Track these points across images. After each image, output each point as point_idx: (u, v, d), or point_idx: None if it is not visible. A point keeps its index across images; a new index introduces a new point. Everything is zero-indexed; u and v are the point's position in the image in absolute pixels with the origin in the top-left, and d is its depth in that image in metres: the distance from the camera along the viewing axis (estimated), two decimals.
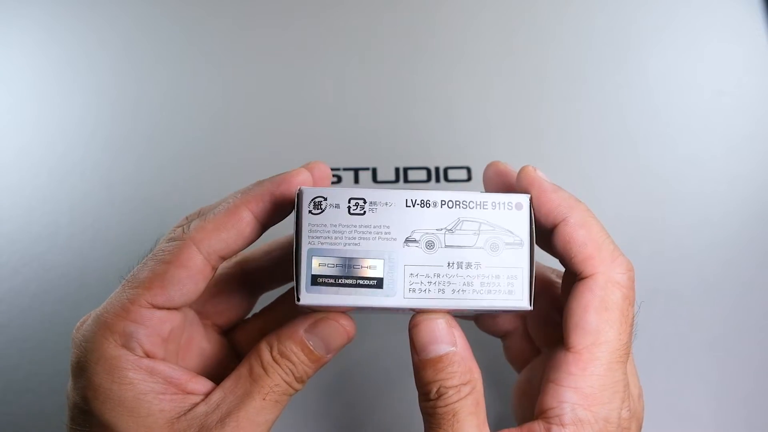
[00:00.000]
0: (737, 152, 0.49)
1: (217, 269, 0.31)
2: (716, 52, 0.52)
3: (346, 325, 0.31)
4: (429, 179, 0.48)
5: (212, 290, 0.35)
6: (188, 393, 0.30)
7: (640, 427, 0.32)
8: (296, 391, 0.31)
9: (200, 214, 0.30)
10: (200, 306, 0.34)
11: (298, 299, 0.27)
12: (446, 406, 0.28)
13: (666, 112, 0.50)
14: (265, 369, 0.30)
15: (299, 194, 0.28)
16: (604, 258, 0.29)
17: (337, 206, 0.28)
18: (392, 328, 0.43)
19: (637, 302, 0.32)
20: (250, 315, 0.37)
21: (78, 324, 0.31)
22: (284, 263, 0.35)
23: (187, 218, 0.31)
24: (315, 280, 0.28)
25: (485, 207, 0.28)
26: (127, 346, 0.29)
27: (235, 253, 0.31)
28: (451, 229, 0.28)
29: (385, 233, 0.28)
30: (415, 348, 0.29)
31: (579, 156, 0.49)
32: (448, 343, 0.29)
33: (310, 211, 0.28)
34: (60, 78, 0.50)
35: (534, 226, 0.28)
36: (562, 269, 0.32)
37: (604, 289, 0.29)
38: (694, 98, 0.51)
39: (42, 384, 0.42)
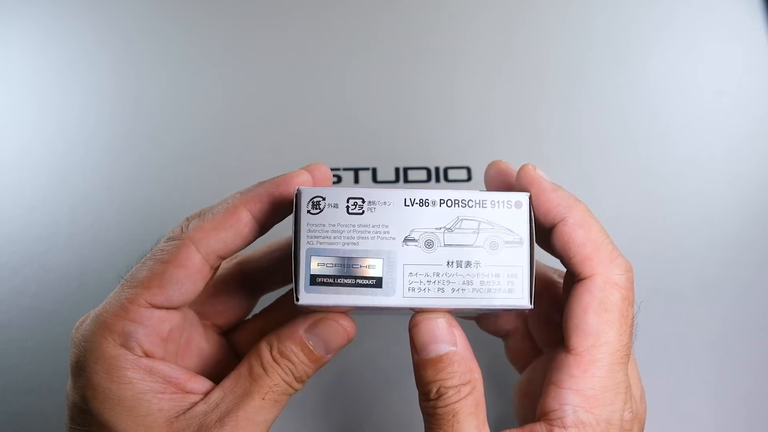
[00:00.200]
0: (737, 152, 0.49)
1: (215, 269, 0.31)
2: (716, 52, 0.52)
3: (346, 325, 0.31)
4: (429, 179, 0.48)
5: (212, 291, 0.35)
6: (187, 392, 0.30)
7: (642, 429, 0.32)
8: (296, 391, 0.31)
9: (200, 215, 0.30)
10: (200, 306, 0.34)
11: (297, 299, 0.27)
12: (446, 406, 0.28)
13: (666, 112, 0.50)
14: (264, 369, 0.30)
15: (297, 194, 0.28)
16: (602, 259, 0.29)
17: (336, 206, 0.28)
18: (392, 329, 0.43)
19: (636, 302, 0.32)
20: (249, 316, 0.37)
21: (77, 324, 0.31)
22: (284, 264, 0.34)
23: (187, 219, 0.31)
24: (314, 279, 0.27)
25: (484, 206, 0.28)
26: (126, 345, 0.29)
27: (234, 253, 0.31)
28: (450, 228, 0.28)
29: (384, 232, 0.28)
30: (415, 347, 0.29)
31: (579, 156, 0.49)
32: (448, 342, 0.29)
33: (308, 211, 0.28)
34: (60, 78, 0.50)
35: (534, 225, 0.28)
36: (564, 269, 0.32)
37: (603, 291, 0.29)
38: (694, 98, 0.51)
39: (42, 384, 0.42)
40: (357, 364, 0.43)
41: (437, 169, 0.48)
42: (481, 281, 0.28)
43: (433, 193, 0.28)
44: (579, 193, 0.31)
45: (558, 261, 0.31)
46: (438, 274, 0.28)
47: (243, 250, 0.34)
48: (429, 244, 0.28)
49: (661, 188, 0.48)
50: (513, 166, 0.32)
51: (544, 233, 0.30)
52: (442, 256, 0.28)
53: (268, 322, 0.35)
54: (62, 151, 0.48)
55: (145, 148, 0.48)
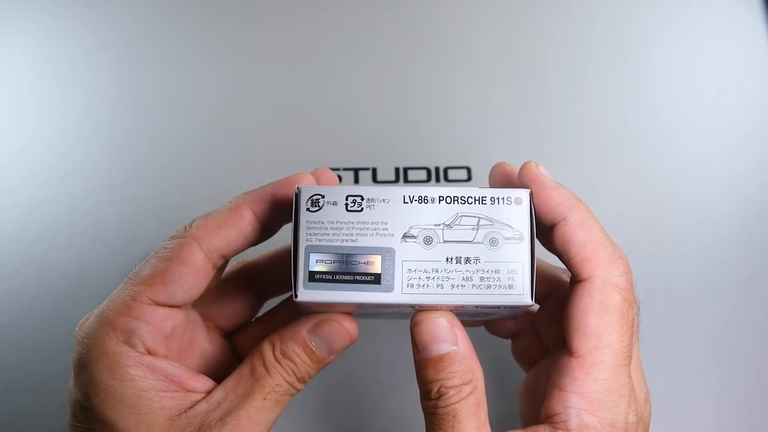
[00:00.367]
0: (737, 152, 0.49)
1: (219, 269, 0.31)
2: (716, 52, 0.52)
3: (348, 327, 0.31)
4: (429, 179, 0.48)
5: (217, 293, 0.35)
6: (189, 391, 0.30)
7: None
8: (297, 391, 0.31)
9: (205, 216, 0.31)
10: (204, 308, 0.34)
11: (296, 295, 0.27)
12: (447, 406, 0.28)
13: (666, 112, 0.50)
14: (267, 368, 0.30)
15: (297, 192, 0.28)
16: (602, 260, 0.29)
17: (335, 203, 0.28)
18: (394, 331, 0.42)
19: (638, 303, 0.32)
20: (253, 319, 0.37)
21: (81, 321, 0.31)
22: (289, 269, 0.35)
23: (193, 220, 0.31)
24: (312, 276, 0.27)
25: (484, 202, 0.28)
26: (128, 342, 0.29)
27: (237, 252, 0.31)
28: (449, 225, 0.28)
29: (383, 229, 0.28)
30: (416, 346, 0.29)
31: (579, 156, 0.49)
32: (449, 342, 0.28)
33: (307, 209, 0.28)
34: (60, 78, 0.50)
35: (534, 221, 0.28)
36: None
37: (603, 292, 0.29)
38: (694, 98, 0.51)
39: (42, 384, 0.42)
40: (359, 366, 0.43)
41: (437, 169, 0.48)
42: (480, 277, 0.28)
43: (432, 190, 0.28)
44: (579, 193, 0.31)
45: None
46: (437, 270, 0.28)
47: (249, 255, 0.35)
48: (428, 241, 0.28)
49: (661, 188, 0.48)
50: (517, 167, 0.32)
51: (544, 231, 0.30)
52: (441, 253, 0.28)
53: (271, 325, 0.35)
54: (62, 151, 0.48)
55: (145, 148, 0.48)
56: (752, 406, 0.44)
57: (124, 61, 0.51)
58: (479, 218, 0.28)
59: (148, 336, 0.29)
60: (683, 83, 0.51)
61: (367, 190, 0.28)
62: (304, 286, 0.27)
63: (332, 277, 0.27)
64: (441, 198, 0.28)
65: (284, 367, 0.30)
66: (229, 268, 0.35)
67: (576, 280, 0.30)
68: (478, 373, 0.29)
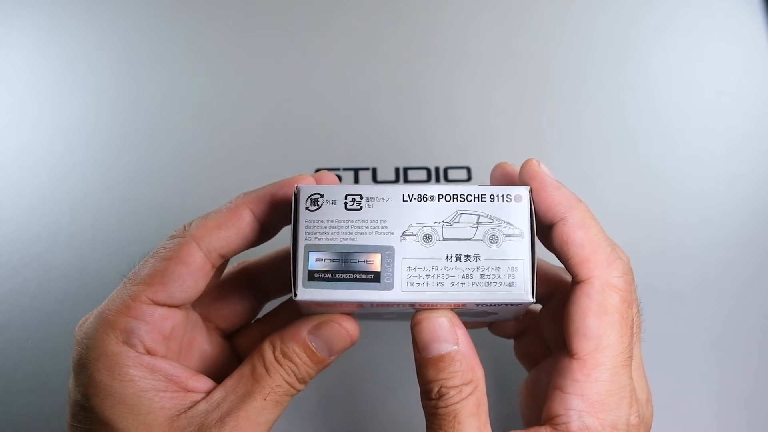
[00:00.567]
0: (737, 152, 0.49)
1: (218, 269, 0.31)
2: (716, 52, 0.52)
3: (349, 328, 0.31)
4: (429, 179, 0.48)
5: (217, 294, 0.35)
6: (189, 391, 0.30)
7: None
8: (298, 392, 0.31)
9: (205, 216, 0.31)
10: (204, 309, 0.34)
11: (295, 294, 0.27)
12: (447, 406, 0.28)
13: (666, 112, 0.50)
14: (267, 369, 0.30)
15: (296, 192, 0.28)
16: (600, 261, 0.29)
17: (334, 202, 0.28)
18: (394, 332, 0.42)
19: (640, 304, 0.32)
20: (253, 320, 0.37)
21: (80, 321, 0.31)
22: (288, 268, 0.35)
23: (192, 220, 0.31)
24: (312, 275, 0.27)
25: (484, 199, 0.28)
26: (128, 342, 0.29)
27: (236, 252, 0.31)
28: (449, 222, 0.28)
29: (382, 228, 0.28)
30: (416, 346, 0.29)
31: (579, 156, 0.49)
32: (450, 341, 0.28)
33: (306, 208, 0.28)
34: (60, 78, 0.50)
35: (535, 218, 0.28)
36: None
37: (602, 293, 0.29)
38: (694, 98, 0.51)
39: (42, 384, 0.42)
40: (359, 366, 0.43)
41: (437, 169, 0.48)
42: (480, 275, 0.28)
43: (432, 188, 0.28)
44: (579, 193, 0.31)
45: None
46: (437, 268, 0.28)
47: (249, 256, 0.35)
48: (427, 239, 0.28)
49: (661, 188, 0.48)
50: (518, 167, 0.32)
51: (543, 230, 0.30)
52: (440, 251, 0.28)
53: (271, 326, 0.35)
54: (62, 151, 0.48)
55: (145, 148, 0.48)
56: (752, 406, 0.44)
57: (124, 61, 0.51)
58: (479, 216, 0.28)
59: (147, 336, 0.29)
60: (683, 83, 0.51)
61: (366, 189, 0.28)
62: (304, 285, 0.27)
63: (332, 275, 0.27)
64: (440, 196, 0.28)
65: (284, 367, 0.30)
66: (229, 268, 0.35)
67: (575, 281, 0.30)
68: (479, 373, 0.29)
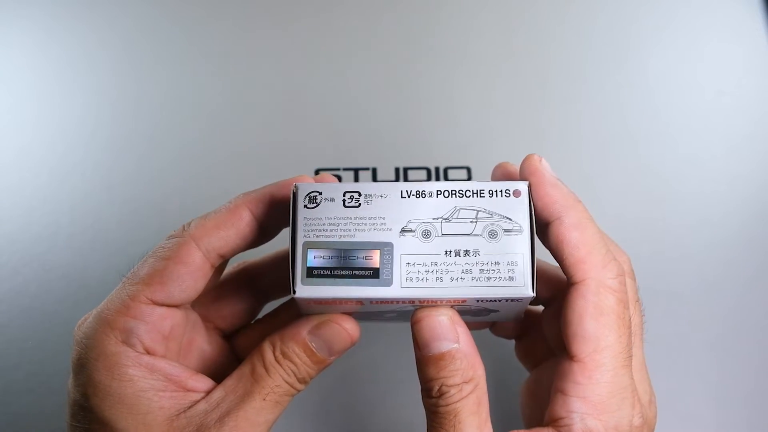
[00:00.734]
0: (737, 152, 0.49)
1: (218, 269, 0.31)
2: (716, 52, 0.52)
3: (349, 328, 0.31)
4: (429, 179, 0.48)
5: (217, 294, 0.35)
6: (188, 390, 0.30)
7: None
8: (298, 392, 0.31)
9: (204, 216, 0.31)
10: (204, 309, 0.34)
11: (294, 291, 0.27)
12: (447, 405, 0.28)
13: (666, 112, 0.50)
14: (266, 369, 0.30)
15: (295, 190, 0.28)
16: (595, 263, 0.29)
17: (332, 200, 0.28)
18: (394, 332, 0.42)
19: (642, 306, 0.32)
20: (253, 321, 0.37)
21: (80, 321, 0.31)
22: (287, 266, 0.35)
23: (191, 220, 0.31)
24: (310, 272, 0.27)
25: (482, 195, 0.28)
26: (127, 342, 0.29)
27: (235, 252, 0.31)
28: (447, 218, 0.28)
29: (381, 224, 0.28)
30: (417, 344, 0.29)
31: (579, 156, 0.49)
32: (450, 339, 0.28)
33: (305, 206, 0.28)
34: (60, 78, 0.50)
35: (534, 213, 0.28)
36: None
37: (597, 295, 0.29)
38: (694, 98, 0.51)
39: (42, 384, 0.42)
40: (359, 367, 0.43)
41: (437, 169, 0.48)
42: (480, 270, 0.27)
43: (430, 184, 0.28)
44: (579, 193, 0.31)
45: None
46: (436, 264, 0.28)
47: (249, 257, 0.35)
48: (426, 234, 0.28)
49: (661, 188, 0.48)
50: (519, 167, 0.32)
51: (540, 228, 0.30)
52: (439, 246, 0.28)
53: (270, 327, 0.35)
54: (62, 151, 0.48)
55: (145, 148, 0.48)
56: (752, 406, 0.44)
57: (124, 61, 0.51)
58: (478, 211, 0.28)
59: (146, 335, 0.29)
60: (683, 83, 0.51)
61: (364, 186, 0.28)
62: (302, 282, 0.27)
63: (330, 272, 0.27)
64: (439, 192, 0.28)
65: (284, 367, 0.30)
66: (229, 269, 0.35)
67: (570, 283, 0.29)
68: (479, 371, 0.29)
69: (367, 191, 0.28)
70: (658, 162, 0.49)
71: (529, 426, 0.30)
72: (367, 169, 0.48)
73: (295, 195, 0.28)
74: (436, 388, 0.28)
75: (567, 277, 0.30)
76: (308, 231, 0.28)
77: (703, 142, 0.50)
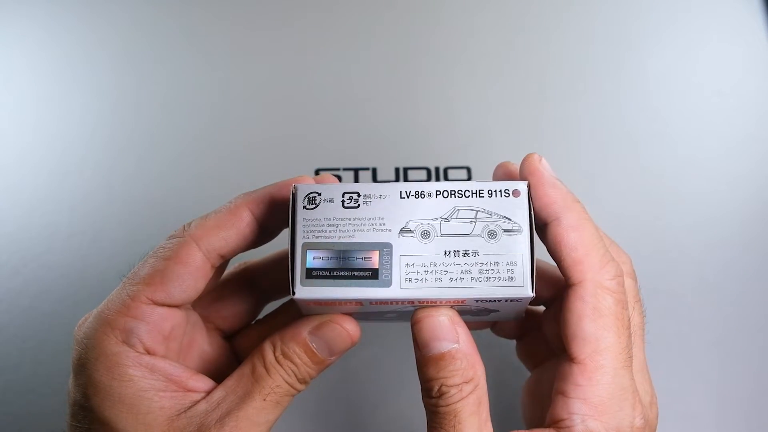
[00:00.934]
0: (737, 152, 0.49)
1: (218, 270, 0.31)
2: (716, 52, 0.52)
3: (349, 328, 0.31)
4: (429, 179, 0.48)
5: (217, 295, 0.35)
6: (189, 390, 0.30)
7: None
8: (298, 392, 0.31)
9: (204, 217, 0.31)
10: (205, 310, 0.34)
11: (293, 292, 0.27)
12: (447, 405, 0.28)
13: (666, 112, 0.50)
14: (267, 369, 0.30)
15: (294, 191, 0.28)
16: (592, 264, 0.29)
17: (331, 201, 0.28)
18: (395, 332, 0.42)
19: (643, 307, 0.32)
20: (253, 321, 0.37)
21: (80, 321, 0.31)
22: (287, 267, 0.35)
23: (191, 220, 0.31)
24: (310, 273, 0.27)
25: (481, 195, 0.28)
26: (127, 342, 0.29)
27: (236, 253, 0.31)
28: (446, 218, 0.28)
29: (380, 225, 0.28)
30: (417, 344, 0.29)
31: (579, 156, 0.49)
32: (450, 340, 0.28)
33: (304, 206, 0.28)
34: (60, 78, 0.50)
35: (533, 213, 0.28)
36: None
37: (595, 296, 0.29)
38: (694, 98, 0.51)
39: (42, 384, 0.42)
40: (359, 367, 0.43)
41: (437, 169, 0.48)
42: (479, 270, 0.27)
43: (429, 185, 0.28)
44: (578, 193, 0.31)
45: None
46: (435, 264, 0.28)
47: (250, 257, 0.35)
48: (425, 235, 0.28)
49: (661, 188, 0.48)
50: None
51: (539, 228, 0.30)
52: (439, 246, 0.28)
53: (271, 327, 0.35)
54: (62, 151, 0.48)
55: (145, 148, 0.48)
56: (752, 406, 0.44)
57: (124, 61, 0.51)
58: (477, 211, 0.28)
59: (146, 335, 0.29)
60: (683, 83, 0.51)
61: (363, 186, 0.28)
62: (302, 283, 0.27)
63: (330, 273, 0.28)
64: (438, 192, 0.28)
65: (285, 368, 0.30)
66: (230, 269, 0.35)
67: (568, 284, 0.29)
68: (479, 371, 0.29)
69: (366, 192, 0.28)
70: (658, 162, 0.49)
71: (529, 426, 0.30)
72: (367, 169, 0.48)
73: (294, 196, 0.28)
74: (436, 388, 0.28)
75: (565, 278, 0.29)
76: (307, 232, 0.28)
77: (702, 143, 0.50)
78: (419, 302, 0.29)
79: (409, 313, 0.30)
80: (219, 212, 0.30)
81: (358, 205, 0.28)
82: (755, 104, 0.51)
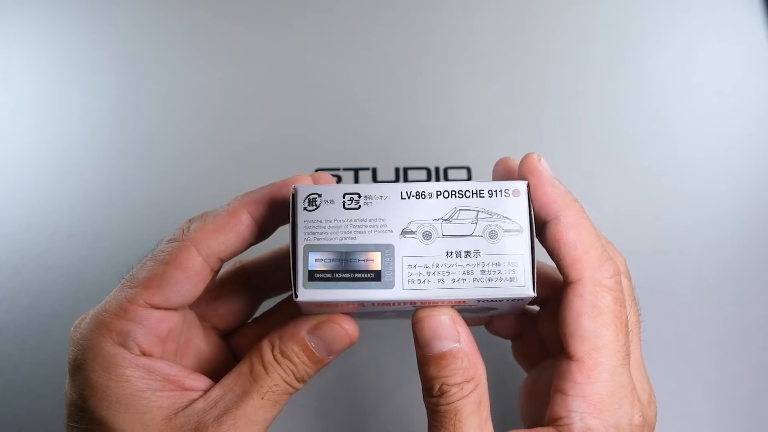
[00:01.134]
0: (737, 152, 0.49)
1: (216, 271, 0.31)
2: (716, 52, 0.53)
3: (348, 328, 0.31)
4: (429, 179, 0.48)
5: (214, 294, 0.35)
6: (186, 389, 0.30)
7: None
8: (296, 390, 0.31)
9: (202, 217, 0.30)
10: (201, 309, 0.34)
11: (296, 295, 0.27)
12: (448, 404, 0.28)
13: (666, 112, 0.50)
14: (265, 368, 0.30)
15: (294, 192, 0.28)
16: (591, 262, 0.29)
17: (332, 202, 0.28)
18: (395, 331, 0.42)
19: (639, 305, 0.32)
20: (250, 320, 0.37)
21: (76, 322, 0.31)
22: (286, 269, 0.34)
23: (189, 221, 0.31)
24: (312, 275, 0.27)
25: (482, 195, 0.28)
26: (124, 344, 0.29)
27: (234, 255, 0.31)
28: (448, 219, 0.28)
29: (381, 226, 0.28)
30: (418, 343, 0.29)
31: (579, 156, 0.49)
32: (451, 339, 0.28)
33: (305, 208, 0.28)
34: (60, 78, 0.50)
35: (533, 213, 0.28)
36: None
37: (593, 294, 0.29)
38: (694, 98, 0.51)
39: (42, 384, 0.42)
40: (359, 366, 0.43)
41: (437, 169, 0.48)
42: (481, 270, 0.27)
43: (430, 185, 0.28)
44: (578, 193, 0.31)
45: None
46: (437, 265, 0.28)
47: (246, 255, 0.34)
48: (427, 236, 0.28)
49: (661, 188, 0.48)
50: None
51: (538, 227, 0.30)
52: (440, 247, 0.28)
53: (268, 326, 0.35)
54: (62, 151, 0.48)
55: (145, 148, 0.48)
56: (751, 406, 0.44)
57: (124, 61, 0.51)
58: (478, 211, 0.28)
59: (143, 338, 0.29)
60: (683, 83, 0.51)
61: (364, 187, 0.28)
62: (304, 286, 0.27)
63: (332, 275, 0.27)
64: (438, 193, 0.28)
65: (283, 367, 0.30)
66: (225, 268, 0.35)
67: (566, 282, 0.29)
68: (480, 371, 0.29)
69: (367, 192, 0.28)
70: (658, 162, 0.49)
71: (528, 426, 0.30)
72: (367, 169, 0.48)
73: (294, 197, 0.28)
74: (437, 387, 0.28)
75: (563, 277, 0.30)
76: (309, 234, 0.28)
77: (702, 143, 0.50)
78: (421, 303, 0.29)
79: (409, 311, 0.30)
80: (218, 215, 0.30)
81: (359, 206, 0.28)
82: (755, 104, 0.51)
